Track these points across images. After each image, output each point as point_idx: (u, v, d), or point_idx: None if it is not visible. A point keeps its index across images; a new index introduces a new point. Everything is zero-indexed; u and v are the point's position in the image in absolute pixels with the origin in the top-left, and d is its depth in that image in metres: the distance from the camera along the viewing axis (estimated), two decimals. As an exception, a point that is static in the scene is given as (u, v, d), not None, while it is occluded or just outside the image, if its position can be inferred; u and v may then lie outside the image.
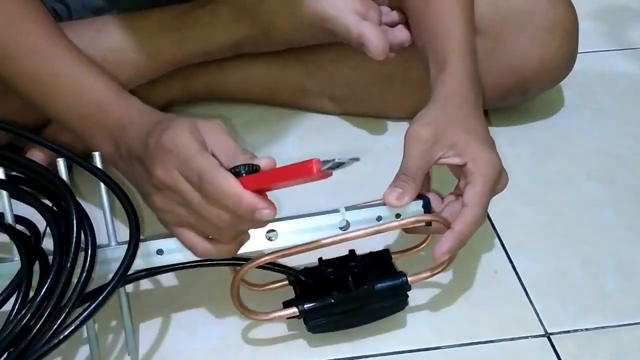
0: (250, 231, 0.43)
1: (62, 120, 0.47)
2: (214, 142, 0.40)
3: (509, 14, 0.59)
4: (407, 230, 0.47)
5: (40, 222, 0.45)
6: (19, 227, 0.46)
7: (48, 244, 0.44)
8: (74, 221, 0.42)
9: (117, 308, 0.44)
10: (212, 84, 0.67)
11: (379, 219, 0.46)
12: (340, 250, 0.47)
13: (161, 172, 0.39)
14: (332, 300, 0.44)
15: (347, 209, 0.47)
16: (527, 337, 0.47)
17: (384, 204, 0.46)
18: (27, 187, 0.47)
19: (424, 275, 0.45)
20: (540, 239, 0.55)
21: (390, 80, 0.64)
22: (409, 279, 0.45)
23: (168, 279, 0.51)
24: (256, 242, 0.44)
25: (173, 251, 0.44)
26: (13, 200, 0.46)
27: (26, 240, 0.45)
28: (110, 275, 0.43)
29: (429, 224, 0.46)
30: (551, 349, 0.46)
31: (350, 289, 0.44)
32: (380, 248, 0.49)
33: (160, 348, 0.47)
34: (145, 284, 0.51)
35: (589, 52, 0.78)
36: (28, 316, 0.39)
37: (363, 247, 0.48)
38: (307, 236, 0.45)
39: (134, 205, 0.45)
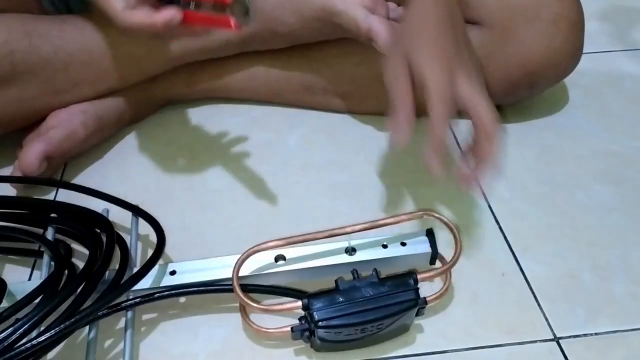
0: (260, 256, 0.46)
1: None
2: None
3: (516, 7, 0.59)
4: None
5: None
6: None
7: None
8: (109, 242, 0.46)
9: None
10: (215, 83, 0.66)
11: (384, 246, 0.47)
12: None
13: None
14: (338, 291, 0.43)
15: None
16: (535, 342, 0.46)
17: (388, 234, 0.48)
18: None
19: (434, 272, 0.45)
20: (547, 242, 0.54)
21: None
22: (419, 276, 0.44)
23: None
24: (265, 265, 0.46)
25: (183, 273, 0.46)
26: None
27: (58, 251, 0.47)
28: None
29: (434, 257, 0.48)
30: (560, 353, 0.45)
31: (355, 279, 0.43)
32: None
33: (162, 350, 0.46)
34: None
35: (595, 52, 0.78)
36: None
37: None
38: (315, 261, 0.47)
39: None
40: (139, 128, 0.66)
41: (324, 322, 0.42)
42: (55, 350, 0.44)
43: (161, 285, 0.46)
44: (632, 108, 0.70)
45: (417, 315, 0.45)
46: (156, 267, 0.46)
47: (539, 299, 0.49)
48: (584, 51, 0.64)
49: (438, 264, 0.49)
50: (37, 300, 0.42)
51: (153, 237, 0.49)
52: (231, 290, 0.44)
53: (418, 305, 0.43)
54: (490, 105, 0.47)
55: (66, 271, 0.45)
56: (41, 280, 0.44)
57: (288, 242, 0.45)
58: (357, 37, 0.56)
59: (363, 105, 0.67)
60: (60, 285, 0.43)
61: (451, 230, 0.46)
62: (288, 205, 0.57)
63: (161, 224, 0.49)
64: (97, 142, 0.62)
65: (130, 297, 0.45)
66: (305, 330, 0.43)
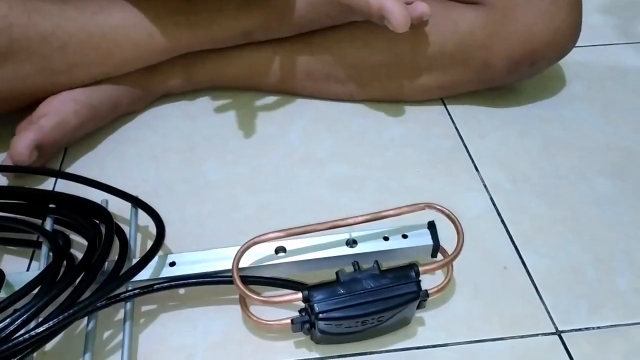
0: (260, 247, 0.45)
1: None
2: None
3: None
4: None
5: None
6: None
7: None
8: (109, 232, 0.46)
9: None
10: (215, 73, 0.66)
11: (386, 239, 0.47)
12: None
13: None
14: (338, 282, 0.42)
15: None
16: (537, 335, 0.46)
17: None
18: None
19: (435, 264, 0.44)
20: (550, 235, 0.53)
21: (400, 61, 0.63)
22: (421, 268, 0.43)
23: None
24: (265, 257, 0.46)
25: (183, 264, 0.46)
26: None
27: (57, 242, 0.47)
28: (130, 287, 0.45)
29: (435, 249, 0.47)
30: (562, 347, 0.45)
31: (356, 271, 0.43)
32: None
33: (160, 343, 0.45)
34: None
35: (599, 45, 0.77)
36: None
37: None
38: (315, 253, 0.46)
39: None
40: (138, 118, 0.65)
41: (325, 314, 0.41)
42: (53, 341, 0.44)
43: (160, 276, 0.45)
44: (636, 101, 0.69)
45: (418, 307, 0.44)
46: (155, 259, 0.46)
47: (541, 292, 0.49)
48: (587, 44, 0.64)
49: (440, 256, 0.48)
50: (35, 291, 0.41)
51: (152, 229, 0.48)
52: (231, 282, 0.44)
53: (419, 297, 0.43)
54: None
55: (65, 262, 0.45)
56: (39, 271, 0.43)
57: (288, 233, 0.44)
58: (369, 17, 0.56)
59: (366, 90, 0.66)
60: (59, 276, 0.43)
61: (453, 222, 0.46)
62: (289, 197, 0.57)
63: (160, 216, 0.49)
64: (89, 131, 0.61)
65: (130, 288, 0.45)
66: (306, 323, 0.43)
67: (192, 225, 0.54)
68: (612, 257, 0.52)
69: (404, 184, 0.58)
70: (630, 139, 0.64)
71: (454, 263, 0.46)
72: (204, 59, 0.64)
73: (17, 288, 0.42)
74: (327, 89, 0.66)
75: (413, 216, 0.47)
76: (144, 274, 0.45)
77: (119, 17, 0.58)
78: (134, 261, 0.45)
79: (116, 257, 0.45)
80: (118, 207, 0.52)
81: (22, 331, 0.39)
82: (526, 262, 0.51)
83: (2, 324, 0.39)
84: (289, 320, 0.43)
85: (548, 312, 0.47)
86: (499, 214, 0.55)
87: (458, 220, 0.46)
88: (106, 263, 0.45)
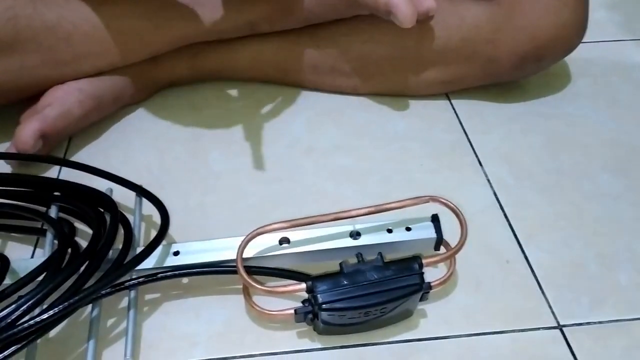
0: (264, 238, 0.46)
1: None
2: None
3: None
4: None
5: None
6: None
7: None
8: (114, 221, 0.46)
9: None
10: (221, 63, 0.66)
11: (389, 231, 0.47)
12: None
13: None
14: (342, 273, 0.42)
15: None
16: (538, 329, 0.46)
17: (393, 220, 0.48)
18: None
19: (439, 257, 0.45)
20: (553, 230, 0.54)
21: (404, 54, 0.63)
22: (424, 261, 0.44)
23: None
24: (269, 248, 0.46)
25: (187, 254, 0.46)
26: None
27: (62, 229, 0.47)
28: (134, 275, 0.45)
29: (439, 242, 0.47)
30: (563, 341, 0.45)
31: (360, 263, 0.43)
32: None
33: (164, 331, 0.46)
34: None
35: (604, 41, 0.77)
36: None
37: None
38: (319, 244, 0.46)
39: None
40: (143, 109, 0.65)
41: (328, 304, 0.42)
42: (58, 328, 0.44)
43: (164, 265, 0.46)
44: (641, 98, 0.69)
45: (421, 300, 0.45)
46: (160, 248, 0.46)
47: (543, 286, 0.49)
48: (592, 40, 0.64)
49: (443, 249, 0.48)
50: (40, 278, 0.42)
51: (157, 218, 0.48)
52: (235, 272, 0.44)
53: (422, 290, 0.43)
54: None
55: (69, 249, 0.45)
56: (44, 258, 0.43)
57: (292, 224, 0.44)
58: (375, 11, 0.55)
59: (370, 84, 0.66)
60: (64, 264, 0.43)
61: (457, 215, 0.46)
62: (292, 188, 0.57)
63: (164, 205, 0.49)
64: (94, 121, 0.61)
65: (134, 276, 0.45)
66: (309, 313, 0.43)
67: (196, 215, 0.54)
68: (614, 252, 0.52)
69: (408, 177, 0.58)
70: (634, 136, 0.64)
71: (457, 256, 0.47)
72: (209, 50, 0.65)
73: (21, 275, 0.42)
74: (331, 82, 0.66)
75: (417, 209, 0.47)
76: (148, 263, 0.45)
77: (124, 8, 0.58)
78: (138, 250, 0.45)
79: (120, 245, 0.45)
80: (122, 196, 0.52)
81: (27, 317, 0.39)
82: (528, 257, 0.51)
83: (6, 310, 0.39)
84: (292, 311, 0.43)
85: (550, 306, 0.47)
86: (502, 209, 0.55)
87: (462, 214, 0.46)
88: (110, 251, 0.45)
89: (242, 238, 0.45)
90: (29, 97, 0.59)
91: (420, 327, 0.46)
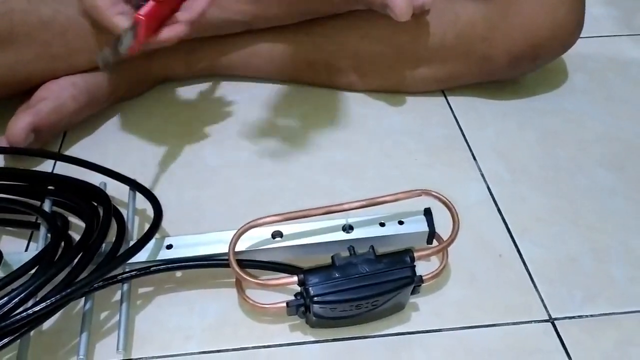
0: (257, 232, 0.45)
1: None
2: None
3: None
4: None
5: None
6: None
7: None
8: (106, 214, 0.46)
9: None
10: (216, 60, 0.66)
11: (382, 224, 0.47)
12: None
13: None
14: (333, 266, 0.42)
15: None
16: (530, 322, 0.46)
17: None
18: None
19: (430, 250, 0.45)
20: (547, 225, 0.54)
21: (400, 51, 0.63)
22: (416, 254, 0.44)
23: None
24: (262, 241, 0.46)
25: (181, 247, 0.46)
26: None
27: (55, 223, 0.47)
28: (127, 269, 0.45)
29: (431, 236, 0.48)
30: (555, 333, 0.45)
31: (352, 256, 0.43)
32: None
33: (157, 324, 0.46)
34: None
35: (600, 36, 0.77)
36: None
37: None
38: (312, 238, 0.46)
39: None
40: (138, 103, 0.65)
41: (320, 297, 0.42)
42: (51, 320, 0.44)
43: (157, 259, 0.46)
44: (637, 93, 0.69)
45: (412, 293, 0.45)
46: (153, 241, 0.46)
47: (535, 280, 0.49)
48: (589, 35, 0.63)
49: (435, 243, 0.48)
50: (33, 271, 0.42)
51: (150, 212, 0.48)
52: (227, 265, 0.44)
53: (414, 283, 0.43)
54: None
55: (63, 243, 0.45)
56: (37, 251, 0.44)
57: (285, 217, 0.45)
58: (371, 6, 0.55)
59: (366, 81, 0.66)
60: (57, 257, 0.43)
61: (449, 209, 0.46)
62: (287, 182, 0.57)
63: (158, 199, 0.49)
64: (87, 116, 0.61)
65: (127, 269, 0.45)
66: (301, 306, 0.43)
67: (190, 210, 0.54)
68: (608, 247, 0.52)
69: (402, 172, 0.58)
70: (630, 131, 0.64)
71: (450, 250, 0.47)
72: (204, 46, 0.65)
73: (15, 268, 0.43)
74: (327, 79, 0.66)
75: (409, 203, 0.47)
76: (141, 256, 0.45)
77: None
78: (132, 243, 0.45)
79: (114, 239, 0.45)
80: (116, 190, 0.52)
81: (20, 309, 0.39)
82: (522, 251, 0.51)
83: (0, 302, 0.39)
84: (285, 304, 0.43)
85: (542, 300, 0.48)
86: (495, 203, 0.55)
87: (454, 207, 0.46)
88: (103, 245, 0.45)
89: (234, 231, 0.45)
90: (24, 91, 0.59)
91: (412, 320, 0.46)
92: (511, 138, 0.63)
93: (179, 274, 0.49)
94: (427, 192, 0.47)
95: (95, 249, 0.44)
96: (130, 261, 0.45)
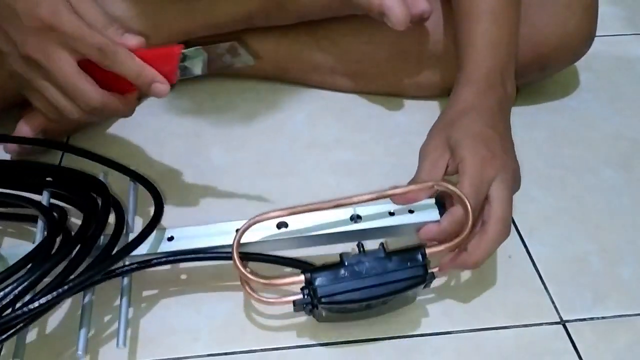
0: (262, 224, 0.43)
1: None
2: (84, 12, 0.43)
3: None
4: (421, 236, 0.44)
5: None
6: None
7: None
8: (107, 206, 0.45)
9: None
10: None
11: (391, 214, 0.45)
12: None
13: (37, 50, 0.43)
14: (342, 267, 0.41)
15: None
16: (541, 324, 0.46)
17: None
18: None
19: (444, 246, 0.43)
20: (555, 225, 0.53)
21: (405, 57, 0.63)
22: (428, 251, 0.42)
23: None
24: (267, 232, 0.44)
25: (181, 239, 0.45)
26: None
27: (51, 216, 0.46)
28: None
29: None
30: (566, 336, 0.45)
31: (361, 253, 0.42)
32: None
33: (164, 326, 0.45)
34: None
35: (607, 35, 0.76)
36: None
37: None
38: (318, 229, 0.44)
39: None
40: (143, 104, 0.65)
41: (327, 298, 0.41)
42: (49, 314, 0.44)
43: (159, 251, 0.44)
44: (644, 92, 0.69)
45: (424, 287, 0.43)
46: (153, 234, 0.44)
47: (545, 281, 0.49)
48: (596, 34, 0.63)
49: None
50: (30, 265, 0.40)
51: (153, 205, 0.47)
52: (230, 258, 0.42)
53: (425, 281, 0.42)
54: (505, 222, 0.44)
55: (61, 235, 0.43)
56: (34, 245, 0.42)
57: (291, 211, 0.42)
58: (369, 13, 0.55)
59: (371, 85, 0.66)
60: (54, 250, 0.42)
61: (462, 202, 0.43)
62: (293, 182, 0.57)
63: (164, 199, 0.48)
64: (95, 120, 0.61)
65: (127, 262, 0.44)
66: (308, 304, 0.42)
67: (197, 209, 0.54)
68: (617, 247, 0.51)
69: (408, 171, 0.57)
70: (637, 130, 0.63)
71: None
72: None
73: (11, 263, 0.41)
74: (332, 82, 0.66)
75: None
76: (142, 249, 0.43)
77: (121, 9, 0.57)
78: (132, 236, 0.44)
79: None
80: (118, 183, 0.51)
81: (18, 304, 0.38)
82: (531, 252, 0.51)
83: (-4, 296, 0.37)
84: (292, 302, 0.42)
85: (552, 302, 0.47)
86: (504, 203, 0.55)
87: (468, 200, 0.43)
88: (102, 237, 0.43)
89: (238, 222, 0.43)
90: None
91: (422, 323, 0.45)
92: (518, 137, 0.61)
93: (184, 276, 0.48)
94: (439, 184, 0.44)
95: (93, 241, 0.42)
96: (131, 254, 0.43)
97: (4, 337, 0.38)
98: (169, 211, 0.48)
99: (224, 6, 0.60)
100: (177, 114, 0.64)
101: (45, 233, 0.45)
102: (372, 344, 0.44)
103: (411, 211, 0.46)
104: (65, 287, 0.39)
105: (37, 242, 0.44)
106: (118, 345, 0.41)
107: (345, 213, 0.45)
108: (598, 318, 0.46)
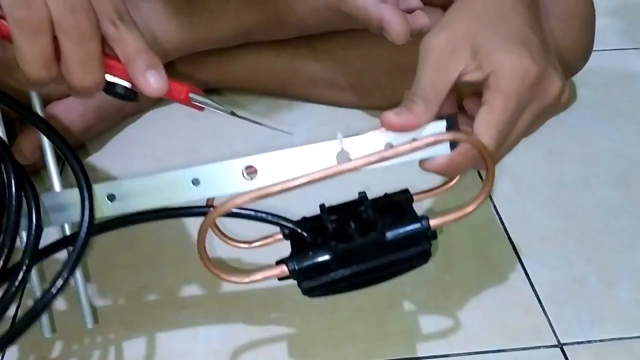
0: (225, 171, 0.37)
1: None
2: None
3: None
4: (426, 166, 0.37)
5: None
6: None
7: None
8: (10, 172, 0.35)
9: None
10: (219, 74, 0.65)
11: (389, 146, 0.36)
12: (348, 194, 0.40)
13: None
14: (331, 255, 0.35)
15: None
16: (539, 347, 0.46)
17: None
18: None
19: (452, 216, 0.35)
20: (553, 244, 0.53)
21: (403, 71, 0.62)
22: (432, 222, 0.35)
23: (167, 274, 0.50)
24: (232, 182, 0.37)
25: (126, 197, 0.36)
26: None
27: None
28: (67, 225, 0.36)
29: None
30: (564, 359, 0.45)
31: (352, 238, 0.35)
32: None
33: (160, 349, 0.45)
34: (143, 279, 0.50)
35: (606, 50, 0.76)
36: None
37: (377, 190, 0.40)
38: (295, 173, 0.37)
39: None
40: (143, 118, 0.65)
41: (315, 291, 0.35)
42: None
43: (99, 217, 0.35)
44: (643, 108, 0.68)
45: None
46: (77, 194, 0.35)
47: (543, 303, 0.48)
48: (594, 48, 0.63)
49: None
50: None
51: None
52: (200, 214, 0.36)
53: (429, 256, 0.35)
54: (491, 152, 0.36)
55: None
56: None
57: (268, 191, 0.35)
58: (368, 27, 0.55)
59: (369, 99, 0.66)
60: None
61: (482, 156, 0.35)
62: (290, 197, 0.56)
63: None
64: (96, 134, 0.61)
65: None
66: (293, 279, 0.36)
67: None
68: (615, 267, 0.51)
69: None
70: (636, 147, 0.63)
71: (455, 270, 0.46)
72: (207, 60, 0.64)
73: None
74: (331, 96, 0.66)
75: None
76: (66, 217, 0.35)
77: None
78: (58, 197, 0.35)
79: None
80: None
81: None
82: (529, 272, 0.51)
83: None
84: (275, 278, 0.36)
85: (550, 324, 0.47)
86: (502, 222, 0.55)
87: (489, 154, 0.35)
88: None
89: (196, 168, 0.38)
90: None
91: (419, 346, 0.45)
92: (516, 155, 0.61)
93: (182, 296, 0.48)
94: (455, 135, 0.35)
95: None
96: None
97: None
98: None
99: (224, 20, 0.60)
100: (176, 129, 0.64)
101: None
102: (369, 367, 0.44)
103: (414, 140, 0.36)
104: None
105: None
106: (87, 325, 0.38)
107: (329, 149, 0.38)
108: (596, 341, 0.46)
